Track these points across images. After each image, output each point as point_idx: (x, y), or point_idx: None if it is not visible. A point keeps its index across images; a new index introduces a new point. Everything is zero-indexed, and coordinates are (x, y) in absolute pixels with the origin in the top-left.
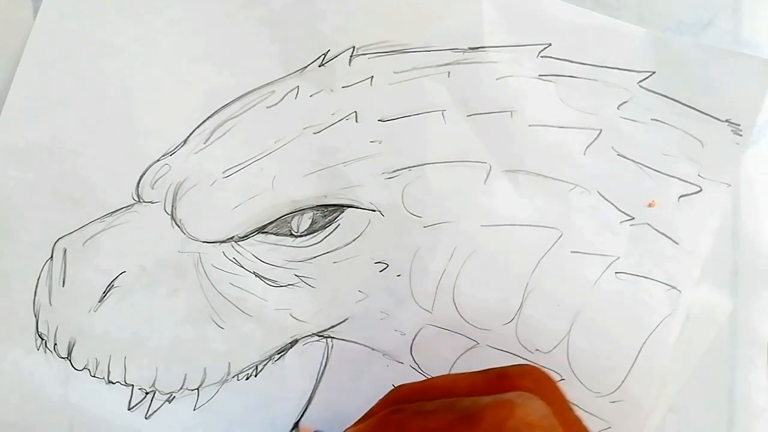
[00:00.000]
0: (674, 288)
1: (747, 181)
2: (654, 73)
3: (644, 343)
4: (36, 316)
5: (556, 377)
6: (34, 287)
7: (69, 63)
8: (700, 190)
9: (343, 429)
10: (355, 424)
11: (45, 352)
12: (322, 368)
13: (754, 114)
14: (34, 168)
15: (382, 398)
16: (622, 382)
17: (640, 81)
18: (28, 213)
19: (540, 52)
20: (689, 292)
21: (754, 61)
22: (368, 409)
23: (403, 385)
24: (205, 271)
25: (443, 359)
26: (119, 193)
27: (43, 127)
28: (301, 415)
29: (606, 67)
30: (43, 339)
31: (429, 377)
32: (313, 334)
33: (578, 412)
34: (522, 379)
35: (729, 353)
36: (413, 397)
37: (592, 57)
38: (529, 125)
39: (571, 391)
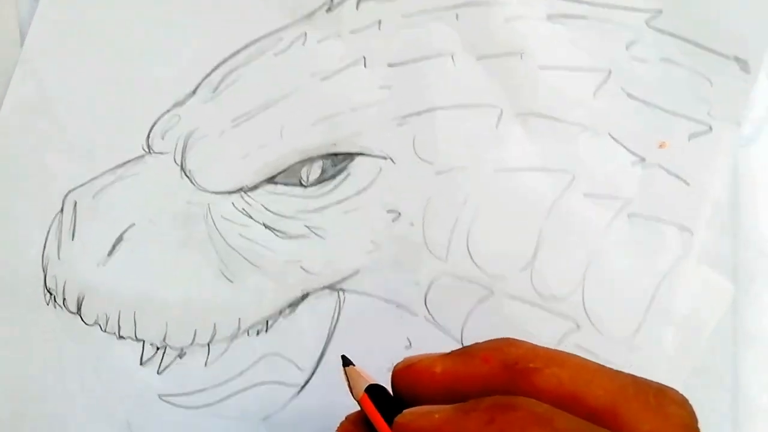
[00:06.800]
0: (687, 229)
1: (747, 178)
2: (661, 11)
3: (659, 286)
4: (44, 270)
5: (572, 325)
6: (44, 241)
7: (81, 15)
8: (710, 130)
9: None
10: (449, 355)
11: (54, 307)
12: (334, 322)
13: (761, 50)
14: (46, 121)
15: (493, 343)
16: (639, 327)
17: (648, 20)
18: (40, 166)
19: None
20: (702, 233)
21: None
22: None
23: (516, 341)
24: (214, 223)
25: (458, 310)
26: (130, 144)
27: (55, 79)
28: (313, 372)
29: (614, 6)
30: (51, 294)
31: (553, 350)
32: (324, 287)
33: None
34: None
35: (732, 352)
36: (525, 364)
37: None
38: (539, 67)
39: (588, 338)
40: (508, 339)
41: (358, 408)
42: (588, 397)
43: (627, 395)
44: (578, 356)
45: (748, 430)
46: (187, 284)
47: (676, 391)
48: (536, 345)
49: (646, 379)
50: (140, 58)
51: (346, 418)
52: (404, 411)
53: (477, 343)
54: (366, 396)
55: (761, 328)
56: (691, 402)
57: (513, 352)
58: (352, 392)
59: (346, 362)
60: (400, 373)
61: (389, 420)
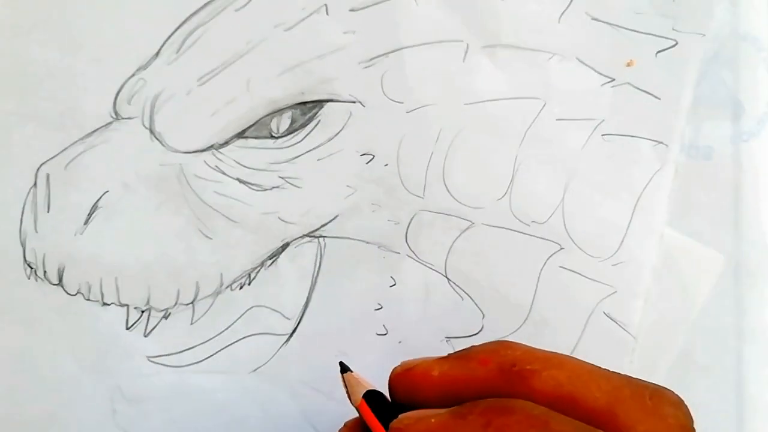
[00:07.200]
0: (661, 143)
1: (749, 174)
2: None
3: (638, 201)
4: (23, 245)
5: (555, 247)
6: (20, 216)
7: None
8: (676, 44)
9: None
10: (447, 358)
11: (36, 280)
12: (316, 268)
13: None
14: (11, 95)
15: (490, 346)
16: (621, 242)
17: None
18: (8, 141)
19: None
20: (676, 145)
21: None
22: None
23: (513, 344)
24: (187, 182)
25: (440, 243)
26: (97, 112)
27: (16, 53)
28: (300, 320)
29: None
30: (32, 268)
31: (550, 352)
32: (304, 235)
33: None
34: None
35: (736, 348)
36: (522, 366)
37: None
38: None
39: (572, 259)
40: (504, 342)
41: (357, 414)
42: (586, 399)
43: (623, 396)
44: (574, 358)
45: (752, 428)
46: (166, 246)
47: (672, 392)
48: (532, 347)
49: (641, 380)
50: (101, 23)
51: (344, 424)
52: (400, 415)
53: (474, 346)
54: (364, 402)
55: (764, 325)
56: (693, 399)
57: (510, 355)
58: (350, 399)
59: (344, 369)
60: (397, 377)
61: (387, 426)
